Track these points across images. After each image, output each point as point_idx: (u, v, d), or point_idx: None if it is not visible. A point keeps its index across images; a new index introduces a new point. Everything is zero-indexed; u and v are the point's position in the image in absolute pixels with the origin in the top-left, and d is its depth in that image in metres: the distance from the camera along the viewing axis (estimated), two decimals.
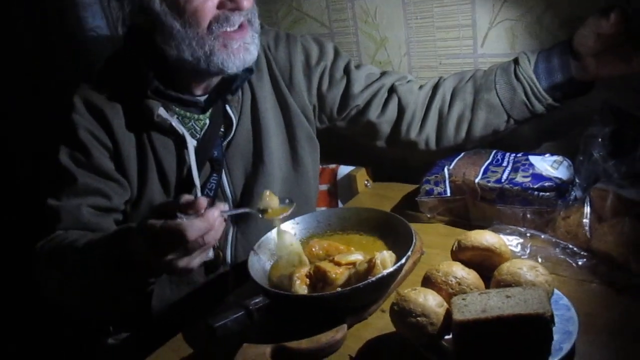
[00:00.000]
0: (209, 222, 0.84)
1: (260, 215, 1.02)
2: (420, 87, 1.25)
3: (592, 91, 1.11)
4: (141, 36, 1.10)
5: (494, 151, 1.21)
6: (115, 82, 1.13)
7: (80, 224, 1.09)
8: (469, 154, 1.23)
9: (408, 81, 1.27)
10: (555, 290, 0.84)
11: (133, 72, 1.11)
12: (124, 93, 1.12)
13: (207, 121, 1.17)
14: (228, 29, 1.04)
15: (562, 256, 0.95)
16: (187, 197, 0.86)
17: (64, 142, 1.11)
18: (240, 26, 1.06)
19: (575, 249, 0.96)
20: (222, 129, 1.18)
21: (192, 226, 0.82)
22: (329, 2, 1.50)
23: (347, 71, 1.26)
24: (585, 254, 0.94)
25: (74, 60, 1.89)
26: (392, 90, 1.25)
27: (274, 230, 1.06)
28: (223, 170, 1.19)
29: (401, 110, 1.24)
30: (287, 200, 1.03)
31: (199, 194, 1.14)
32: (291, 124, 1.25)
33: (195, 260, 0.88)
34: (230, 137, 1.19)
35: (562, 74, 1.09)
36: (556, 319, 0.73)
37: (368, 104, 1.24)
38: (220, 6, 1.03)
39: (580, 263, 0.93)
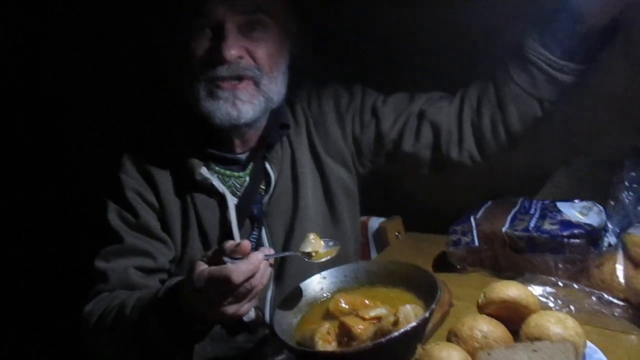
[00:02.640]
0: (254, 264, 0.85)
1: (305, 259, 1.00)
2: (451, 102, 1.20)
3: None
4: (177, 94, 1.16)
5: (522, 199, 1.19)
6: (159, 141, 1.19)
7: (128, 286, 1.11)
8: (497, 202, 1.21)
9: (439, 98, 1.22)
10: (589, 344, 0.80)
11: (175, 132, 1.17)
12: (168, 152, 1.17)
13: (248, 179, 1.19)
14: (217, 76, 1.06)
15: (597, 307, 0.91)
16: (231, 243, 0.87)
17: (112, 200, 1.16)
18: (239, 79, 1.08)
19: (610, 298, 0.92)
20: (262, 186, 1.21)
21: (237, 269, 0.83)
22: None
23: (374, 110, 1.24)
24: (621, 303, 0.90)
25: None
26: (421, 115, 1.21)
27: (302, 284, 1.07)
28: (263, 227, 1.21)
29: (436, 131, 1.19)
30: (331, 243, 1.02)
31: None
32: (327, 179, 1.26)
33: (245, 306, 0.89)
34: (270, 194, 1.20)
35: (570, 33, 1.02)
36: None
37: (401, 135, 1.22)
38: (207, 53, 1.07)
39: (616, 313, 0.89)
